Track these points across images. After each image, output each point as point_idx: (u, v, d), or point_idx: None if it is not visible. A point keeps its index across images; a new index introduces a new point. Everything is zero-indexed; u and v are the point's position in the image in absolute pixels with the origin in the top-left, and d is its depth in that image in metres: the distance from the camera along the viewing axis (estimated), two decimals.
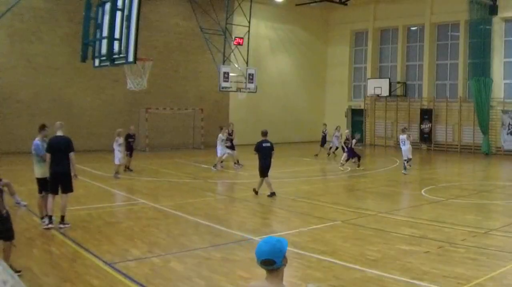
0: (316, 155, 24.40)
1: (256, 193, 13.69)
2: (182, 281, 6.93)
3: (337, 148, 24.62)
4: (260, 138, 13.93)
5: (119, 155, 16.49)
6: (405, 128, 20.51)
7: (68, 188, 9.72)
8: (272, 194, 13.50)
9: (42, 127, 10.15)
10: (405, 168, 18.52)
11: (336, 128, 25.05)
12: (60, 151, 9.60)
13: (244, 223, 10.86)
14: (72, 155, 9.63)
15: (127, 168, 17.97)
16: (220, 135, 19.46)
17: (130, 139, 18.14)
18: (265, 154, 13.73)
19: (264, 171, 13.68)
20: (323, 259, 7.77)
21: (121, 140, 16.70)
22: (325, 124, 26.03)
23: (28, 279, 6.56)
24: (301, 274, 7.14)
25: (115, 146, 16.54)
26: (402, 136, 18.61)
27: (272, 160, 13.87)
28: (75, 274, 7.00)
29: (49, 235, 9.13)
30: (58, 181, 9.64)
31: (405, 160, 18.53)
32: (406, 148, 18.35)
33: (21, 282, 1.94)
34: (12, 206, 11.31)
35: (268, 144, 13.76)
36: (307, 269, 7.34)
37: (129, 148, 17.95)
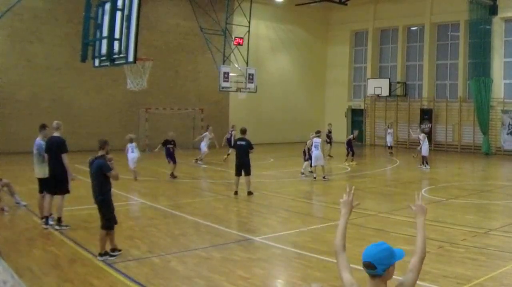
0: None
1: (235, 193, 13.65)
2: (182, 281, 6.93)
3: (391, 147, 25.60)
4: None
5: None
6: (424, 128, 22.88)
7: (60, 189, 9.57)
8: (249, 193, 13.52)
9: (43, 127, 10.14)
10: (426, 164, 19.66)
11: (388, 126, 26.40)
12: (52, 152, 9.53)
13: (244, 223, 10.87)
14: (64, 156, 9.47)
15: (171, 175, 16.74)
16: (207, 133, 20.39)
17: (169, 146, 16.94)
18: (239, 152, 13.70)
19: (238, 169, 13.64)
20: (323, 259, 7.77)
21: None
22: (330, 124, 25.38)
23: (28, 279, 6.55)
24: (301, 274, 7.14)
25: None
26: (422, 135, 20.27)
27: (250, 158, 13.76)
28: (75, 274, 6.99)
29: (49, 235, 9.13)
30: (52, 181, 9.58)
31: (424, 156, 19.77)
32: (426, 147, 19.66)
33: (21, 282, 1.93)
34: (12, 206, 11.33)
35: (243, 142, 13.64)
36: (307, 269, 7.34)
37: (170, 155, 16.84)
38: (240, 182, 13.79)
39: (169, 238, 9.13)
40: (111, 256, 7.74)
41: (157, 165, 20.34)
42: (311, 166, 17.30)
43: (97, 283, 6.61)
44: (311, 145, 16.74)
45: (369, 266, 2.88)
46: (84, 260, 7.67)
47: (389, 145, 25.88)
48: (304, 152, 17.86)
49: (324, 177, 16.55)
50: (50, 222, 9.64)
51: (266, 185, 15.62)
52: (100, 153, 8.11)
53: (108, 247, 7.82)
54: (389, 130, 26.24)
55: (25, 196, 12.17)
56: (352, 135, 22.23)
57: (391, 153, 25.42)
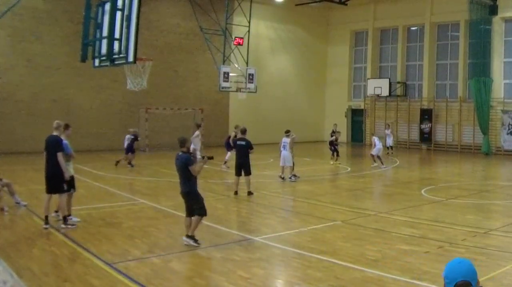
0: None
1: (235, 193, 13.66)
2: (182, 281, 6.93)
3: (391, 147, 25.43)
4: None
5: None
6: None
7: (56, 188, 9.54)
8: (249, 193, 13.53)
9: (66, 127, 10.13)
10: (375, 162, 20.24)
11: (386, 127, 26.30)
12: (48, 150, 9.56)
13: (244, 223, 10.87)
14: (59, 155, 9.44)
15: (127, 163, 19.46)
16: (197, 132, 19.80)
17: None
18: (239, 152, 13.77)
19: (238, 169, 13.71)
20: (323, 259, 7.77)
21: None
22: (335, 125, 25.00)
23: (28, 279, 6.55)
24: (301, 274, 7.14)
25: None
26: (375, 137, 20.75)
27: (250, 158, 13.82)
28: (75, 274, 6.99)
29: (49, 235, 9.13)
30: (47, 180, 9.61)
31: (378, 156, 20.21)
32: (378, 148, 20.22)
33: (21, 282, 1.94)
34: (12, 206, 11.33)
35: (243, 143, 13.74)
36: (307, 269, 7.34)
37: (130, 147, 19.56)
38: (240, 182, 13.80)
39: (169, 238, 9.12)
40: (195, 241, 8.39)
41: (158, 164, 20.36)
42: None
43: (97, 283, 6.60)
44: (281, 145, 16.46)
45: (465, 285, 2.70)
46: (84, 260, 7.67)
47: (388, 145, 25.66)
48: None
49: (290, 178, 16.22)
50: (75, 219, 9.79)
51: (266, 185, 15.62)
52: (181, 149, 8.63)
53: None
54: (387, 132, 25.87)
55: (25, 196, 12.19)
56: (334, 137, 22.22)
57: (392, 153, 25.24)
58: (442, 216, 10.98)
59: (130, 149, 19.50)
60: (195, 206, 8.51)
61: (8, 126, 22.86)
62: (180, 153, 8.59)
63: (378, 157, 20.22)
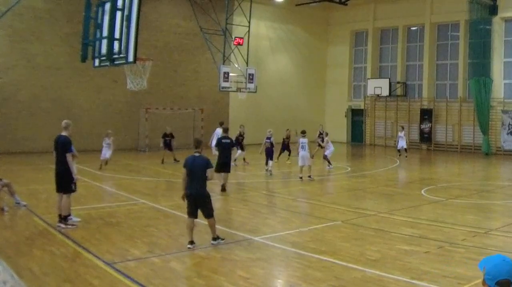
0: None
1: (225, 189, 13.85)
2: (182, 281, 6.93)
3: (406, 150, 24.51)
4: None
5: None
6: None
7: (64, 188, 9.65)
8: (223, 188, 13.71)
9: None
10: (330, 164, 20.03)
11: (399, 130, 25.50)
12: (57, 150, 9.71)
13: (244, 223, 10.86)
14: (67, 156, 9.56)
15: (174, 159, 20.57)
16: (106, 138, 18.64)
17: (166, 138, 20.90)
18: (224, 150, 14.10)
19: (222, 166, 13.98)
20: (323, 259, 7.77)
21: None
22: (321, 125, 24.89)
23: (28, 279, 6.55)
24: (301, 274, 7.14)
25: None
26: (326, 137, 20.50)
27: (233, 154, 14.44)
28: (75, 274, 6.99)
29: (49, 235, 9.13)
30: (56, 180, 9.68)
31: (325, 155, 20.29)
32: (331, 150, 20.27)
33: (21, 282, 1.93)
34: (12, 206, 11.34)
35: (228, 140, 14.21)
36: (307, 269, 7.34)
37: (167, 145, 20.97)
38: (213, 182, 13.73)
39: (169, 238, 9.13)
40: (222, 239, 8.68)
41: (157, 164, 20.35)
42: (266, 164, 17.71)
43: (97, 283, 6.60)
44: (299, 145, 16.62)
45: (506, 284, 2.70)
46: (84, 260, 7.67)
47: (401, 147, 24.35)
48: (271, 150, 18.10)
49: (309, 176, 16.32)
50: (75, 219, 9.81)
51: (265, 185, 15.61)
52: (196, 151, 8.76)
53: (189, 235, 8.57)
54: (400, 134, 24.71)
55: (25, 196, 12.19)
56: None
57: (399, 155, 24.45)
58: (442, 216, 10.98)
59: (169, 147, 20.96)
60: (206, 207, 8.56)
61: (8, 126, 22.85)
62: (197, 154, 8.63)
63: (325, 156, 20.26)
